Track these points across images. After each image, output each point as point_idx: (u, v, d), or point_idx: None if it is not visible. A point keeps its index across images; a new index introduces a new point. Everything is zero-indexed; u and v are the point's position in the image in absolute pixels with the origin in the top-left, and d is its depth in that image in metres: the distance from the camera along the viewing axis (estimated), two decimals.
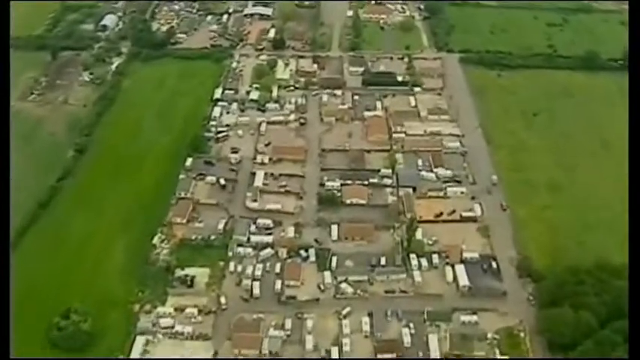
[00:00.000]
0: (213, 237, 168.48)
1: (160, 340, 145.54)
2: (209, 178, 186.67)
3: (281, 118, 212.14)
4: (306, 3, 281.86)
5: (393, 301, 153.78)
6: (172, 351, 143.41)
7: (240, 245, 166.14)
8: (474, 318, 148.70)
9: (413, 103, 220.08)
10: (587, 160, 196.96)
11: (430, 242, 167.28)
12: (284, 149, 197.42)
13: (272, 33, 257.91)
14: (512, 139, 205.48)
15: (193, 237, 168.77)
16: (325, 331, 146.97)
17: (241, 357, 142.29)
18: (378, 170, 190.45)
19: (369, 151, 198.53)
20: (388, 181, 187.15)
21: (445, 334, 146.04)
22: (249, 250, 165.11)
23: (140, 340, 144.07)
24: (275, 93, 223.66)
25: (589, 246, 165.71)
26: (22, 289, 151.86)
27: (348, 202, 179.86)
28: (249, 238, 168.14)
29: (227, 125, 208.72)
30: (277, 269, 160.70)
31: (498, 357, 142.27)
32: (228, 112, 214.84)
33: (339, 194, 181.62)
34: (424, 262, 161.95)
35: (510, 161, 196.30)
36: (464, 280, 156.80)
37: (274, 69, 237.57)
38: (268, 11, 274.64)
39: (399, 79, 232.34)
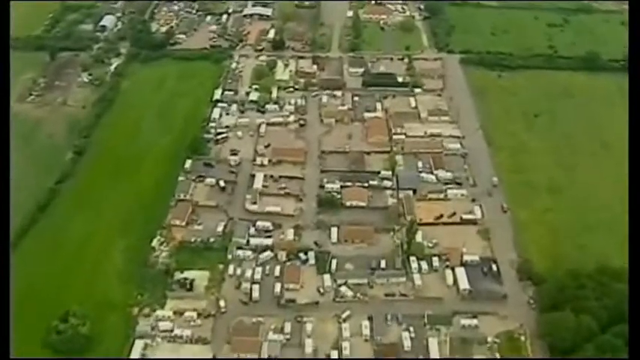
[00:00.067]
0: (212, 239, 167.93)
1: (159, 343, 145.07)
2: (208, 180, 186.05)
3: (280, 119, 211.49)
4: (306, 3, 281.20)
5: (393, 305, 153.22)
6: (171, 355, 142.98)
7: (239, 248, 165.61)
8: (475, 322, 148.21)
9: (413, 105, 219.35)
10: (588, 162, 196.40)
11: (430, 245, 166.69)
12: (284, 151, 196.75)
13: (272, 33, 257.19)
14: (512, 140, 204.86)
15: (192, 239, 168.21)
16: (325, 335, 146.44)
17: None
18: (378, 172, 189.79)
19: (369, 153, 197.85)
20: (388, 183, 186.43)
21: (445, 338, 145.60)
22: (249, 252, 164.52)
23: (139, 344, 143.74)
24: (275, 94, 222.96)
25: (590, 248, 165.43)
26: (21, 292, 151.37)
27: (348, 204, 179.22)
28: (248, 241, 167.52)
29: (226, 126, 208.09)
30: (277, 272, 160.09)
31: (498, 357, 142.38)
32: (227, 114, 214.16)
33: (338, 196, 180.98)
34: (424, 265, 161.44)
35: (511, 163, 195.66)
36: (464, 284, 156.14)
37: (274, 70, 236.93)
38: (268, 11, 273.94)
39: (399, 80, 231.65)
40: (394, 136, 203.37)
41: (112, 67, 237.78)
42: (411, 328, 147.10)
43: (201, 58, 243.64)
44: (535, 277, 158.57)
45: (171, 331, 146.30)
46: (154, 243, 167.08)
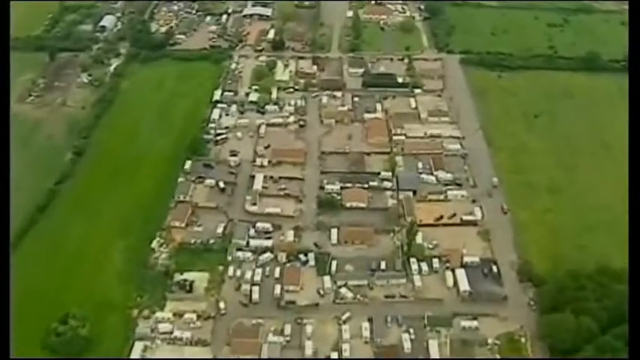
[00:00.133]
0: (212, 241, 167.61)
1: (159, 345, 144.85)
2: (208, 181, 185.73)
3: (280, 120, 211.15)
4: (306, 3, 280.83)
5: (393, 306, 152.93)
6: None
7: (239, 249, 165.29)
8: (475, 323, 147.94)
9: (413, 105, 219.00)
10: (589, 162, 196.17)
11: (430, 246, 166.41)
12: (283, 152, 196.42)
13: (271, 34, 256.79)
14: (512, 141, 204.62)
15: (192, 241, 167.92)
16: (325, 337, 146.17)
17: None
18: (378, 173, 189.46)
19: (369, 154, 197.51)
20: (388, 184, 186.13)
21: (445, 340, 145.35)
22: (249, 254, 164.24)
23: (138, 346, 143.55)
24: (274, 95, 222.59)
25: (590, 249, 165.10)
26: (20, 293, 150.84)
27: (348, 205, 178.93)
28: (248, 242, 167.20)
29: (226, 127, 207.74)
30: (276, 274, 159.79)
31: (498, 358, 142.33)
32: (227, 114, 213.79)
33: (338, 197, 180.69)
34: (424, 266, 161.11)
35: (511, 163, 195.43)
36: (464, 285, 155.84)
37: (273, 70, 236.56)
38: (268, 12, 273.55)
39: (399, 80, 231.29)
40: (394, 137, 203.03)
41: (112, 68, 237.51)
42: (411, 330, 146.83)
43: (201, 59, 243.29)
44: (535, 279, 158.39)
45: (171, 333, 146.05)
46: (154, 244, 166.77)
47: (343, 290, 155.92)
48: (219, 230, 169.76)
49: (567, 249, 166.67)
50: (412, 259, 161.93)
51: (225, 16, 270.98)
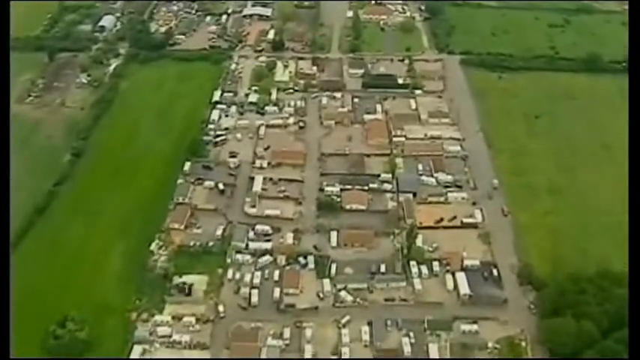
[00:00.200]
0: (211, 243, 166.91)
1: (158, 349, 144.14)
2: (207, 183, 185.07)
3: (280, 121, 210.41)
4: (306, 3, 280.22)
5: (393, 310, 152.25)
6: None
7: (238, 252, 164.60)
8: (475, 327, 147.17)
9: (413, 106, 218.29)
10: (589, 164, 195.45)
11: (431, 249, 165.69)
12: (283, 153, 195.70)
13: (271, 34, 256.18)
14: (513, 142, 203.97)
15: (191, 243, 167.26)
16: (324, 340, 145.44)
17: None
18: (378, 175, 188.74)
19: (368, 156, 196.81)
20: (388, 186, 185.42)
21: (445, 344, 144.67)
22: (248, 257, 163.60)
23: (137, 349, 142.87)
24: (274, 95, 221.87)
25: (591, 252, 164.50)
26: (19, 296, 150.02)
27: (348, 207, 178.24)
28: (247, 245, 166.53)
29: (226, 128, 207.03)
30: (276, 277, 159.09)
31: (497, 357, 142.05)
32: (226, 115, 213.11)
33: (338, 199, 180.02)
34: (424, 269, 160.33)
35: (512, 165, 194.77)
36: (464, 288, 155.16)
37: (273, 71, 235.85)
38: (267, 12, 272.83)
39: (400, 81, 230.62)
40: (394, 139, 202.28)
41: (111, 68, 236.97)
42: (411, 334, 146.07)
43: (201, 59, 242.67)
44: (536, 282, 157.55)
45: (170, 336, 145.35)
46: (153, 247, 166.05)
47: (343, 293, 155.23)
48: (219, 232, 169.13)
49: (568, 252, 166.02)
50: (412, 262, 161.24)
51: (224, 17, 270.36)
